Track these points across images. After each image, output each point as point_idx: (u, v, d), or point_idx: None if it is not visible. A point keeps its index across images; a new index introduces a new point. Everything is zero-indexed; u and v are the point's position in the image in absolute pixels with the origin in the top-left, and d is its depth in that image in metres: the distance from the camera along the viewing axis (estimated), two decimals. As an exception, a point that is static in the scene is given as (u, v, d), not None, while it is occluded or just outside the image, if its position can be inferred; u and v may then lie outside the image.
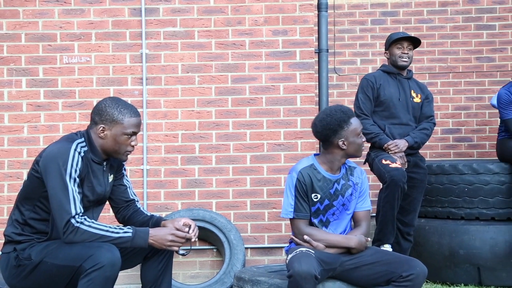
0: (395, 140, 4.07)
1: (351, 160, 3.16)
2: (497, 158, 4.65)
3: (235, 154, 4.21)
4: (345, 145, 3.01)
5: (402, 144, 4.06)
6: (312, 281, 2.74)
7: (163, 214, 4.05)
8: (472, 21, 5.62)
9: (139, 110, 4.11)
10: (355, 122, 3.04)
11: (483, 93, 5.63)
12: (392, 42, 4.16)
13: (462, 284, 4.28)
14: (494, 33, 5.61)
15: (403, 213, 4.15)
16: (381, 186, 3.99)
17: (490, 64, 5.63)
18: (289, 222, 3.14)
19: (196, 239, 2.78)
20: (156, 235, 2.66)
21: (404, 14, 5.64)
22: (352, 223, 3.15)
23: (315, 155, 3.12)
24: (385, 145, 4.03)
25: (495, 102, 4.65)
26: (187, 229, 2.74)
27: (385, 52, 4.28)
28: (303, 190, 3.01)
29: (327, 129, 3.01)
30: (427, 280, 4.40)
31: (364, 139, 3.09)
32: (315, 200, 3.03)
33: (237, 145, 4.21)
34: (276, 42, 4.22)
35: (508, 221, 4.34)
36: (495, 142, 4.72)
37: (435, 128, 4.43)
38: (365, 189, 3.14)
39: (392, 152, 4.00)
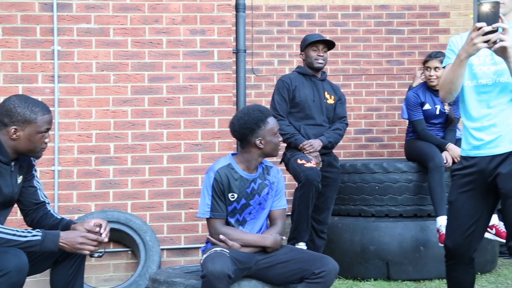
0: (310, 140, 4.16)
1: (267, 159, 3.20)
2: (405, 157, 4.84)
3: (151, 154, 4.16)
4: (262, 144, 3.04)
5: (317, 144, 4.16)
6: (226, 280, 2.76)
7: (76, 217, 3.95)
8: (383, 26, 5.82)
9: (50, 109, 4.02)
10: (272, 122, 3.08)
11: (393, 95, 5.84)
12: (308, 44, 4.25)
13: (372, 279, 4.42)
14: (403, 37, 5.82)
15: (317, 212, 4.24)
16: (296, 185, 4.07)
17: (399, 67, 5.85)
18: (205, 222, 3.14)
19: (107, 239, 2.71)
20: (66, 237, 2.60)
21: (320, 17, 5.76)
22: (268, 221, 3.18)
23: (232, 154, 3.14)
24: (300, 145, 4.11)
25: (406, 116, 4.81)
26: (98, 229, 2.69)
27: (300, 54, 4.36)
28: (220, 189, 3.02)
29: (245, 128, 3.03)
30: (340, 276, 4.52)
31: (280, 138, 3.14)
32: (232, 199, 3.05)
33: (153, 145, 4.17)
34: (194, 42, 4.21)
35: (415, 217, 4.51)
36: (404, 142, 4.91)
37: (348, 128, 4.57)
38: (281, 188, 3.18)
39: (307, 152, 4.09)
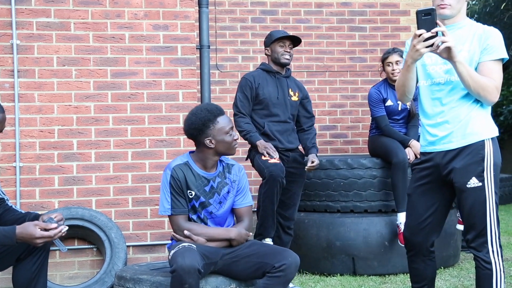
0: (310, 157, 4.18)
1: (230, 157, 3.20)
2: (369, 153, 4.91)
3: (115, 150, 4.13)
4: (212, 143, 3.01)
5: (316, 162, 4.24)
6: (196, 275, 2.76)
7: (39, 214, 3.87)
8: (345, 23, 5.90)
9: (9, 104, 3.96)
10: (222, 121, 3.04)
11: (356, 91, 5.93)
12: (275, 40, 4.27)
13: (338, 274, 4.47)
14: (365, 34, 5.92)
15: (283, 208, 4.27)
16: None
17: (362, 64, 5.94)
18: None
19: (63, 234, 2.66)
20: (23, 231, 2.55)
21: (283, 13, 5.81)
22: (235, 219, 3.19)
23: (190, 152, 3.12)
24: (261, 150, 4.05)
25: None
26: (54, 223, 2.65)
27: (266, 49, 4.37)
28: (178, 186, 3.02)
29: (192, 128, 3.02)
30: (306, 272, 4.57)
31: (236, 137, 3.09)
32: (190, 197, 3.05)
33: (117, 141, 4.14)
34: (157, 37, 4.19)
35: (380, 213, 4.58)
36: (367, 138, 4.98)
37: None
38: (243, 186, 3.17)
39: (265, 157, 4.06)
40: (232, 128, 3.09)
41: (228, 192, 3.12)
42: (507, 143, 11.90)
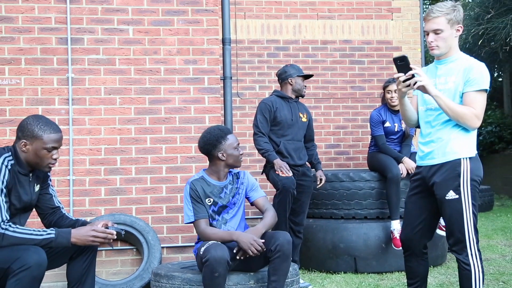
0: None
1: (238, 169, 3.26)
2: (368, 168, 4.90)
3: (152, 165, 4.15)
4: (224, 156, 3.10)
5: (324, 179, 4.37)
6: (225, 265, 2.77)
7: (88, 219, 3.90)
8: (346, 57, 5.90)
9: (65, 127, 4.02)
10: (231, 138, 3.14)
11: (356, 115, 5.92)
12: (301, 75, 4.33)
13: (342, 272, 4.44)
14: (363, 67, 5.91)
15: (294, 214, 4.25)
16: (275, 192, 4.10)
17: (361, 92, 5.93)
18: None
19: (114, 233, 2.70)
20: (77, 233, 2.60)
21: (294, 49, 5.83)
22: (260, 209, 3.19)
23: (204, 170, 3.20)
24: (276, 168, 4.05)
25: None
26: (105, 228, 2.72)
27: (289, 79, 4.34)
28: (197, 196, 3.07)
29: (208, 144, 3.11)
30: (314, 270, 4.54)
31: (242, 152, 3.18)
32: (209, 203, 3.09)
33: (154, 158, 4.16)
34: (187, 70, 4.22)
35: (378, 219, 4.55)
36: (367, 155, 4.97)
37: (319, 143, 4.63)
38: (252, 183, 3.22)
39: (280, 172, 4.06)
40: (238, 144, 3.17)
41: (239, 193, 3.16)
42: (486, 159, 11.80)
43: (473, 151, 2.73)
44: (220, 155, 3.10)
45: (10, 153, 2.61)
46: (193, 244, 4.07)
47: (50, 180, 2.84)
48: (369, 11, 5.91)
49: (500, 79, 14.28)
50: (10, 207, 2.55)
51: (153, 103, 4.18)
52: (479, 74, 2.69)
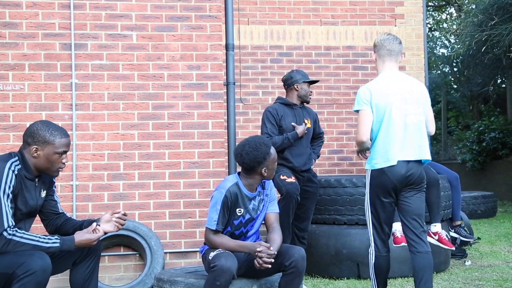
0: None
1: None
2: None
3: (155, 171, 4.15)
4: (266, 172, 3.02)
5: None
6: (229, 277, 2.76)
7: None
8: (350, 63, 5.89)
9: (69, 132, 4.02)
10: (273, 152, 3.06)
11: (360, 121, 5.90)
12: (307, 81, 4.34)
13: (345, 278, 4.42)
14: (367, 73, 5.90)
15: (298, 220, 4.24)
16: (279, 197, 4.08)
17: (365, 97, 5.91)
18: (202, 229, 3.10)
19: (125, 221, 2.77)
20: (80, 238, 2.62)
21: (297, 55, 5.83)
22: (266, 223, 3.12)
23: (238, 175, 3.08)
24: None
25: None
26: (117, 214, 2.79)
27: (295, 85, 4.35)
28: (228, 205, 2.97)
29: (255, 161, 2.98)
30: (317, 276, 4.52)
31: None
32: (239, 214, 3.01)
33: (157, 163, 4.16)
34: (191, 75, 4.22)
35: (381, 224, 4.55)
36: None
37: (322, 149, 4.62)
38: (274, 195, 3.17)
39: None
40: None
41: (264, 205, 3.10)
42: (489, 165, 11.77)
43: (374, 165, 3.16)
44: (263, 171, 3.00)
45: (17, 158, 2.62)
46: (196, 250, 4.07)
47: (55, 186, 2.85)
48: (372, 17, 5.91)
49: (504, 86, 14.27)
50: (16, 212, 2.56)
51: (157, 108, 4.18)
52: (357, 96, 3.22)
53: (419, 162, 3.20)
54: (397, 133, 3.13)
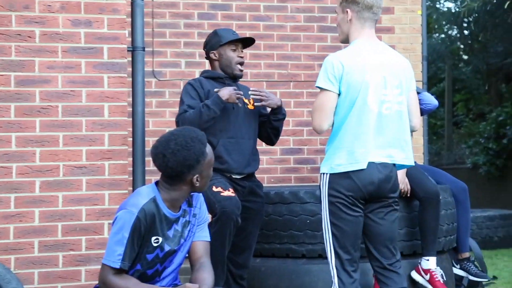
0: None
1: None
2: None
3: (19, 180, 4.06)
4: (198, 181, 3.05)
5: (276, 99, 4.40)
6: None
7: None
8: (315, 22, 5.98)
9: None
10: (209, 151, 3.11)
11: (328, 106, 5.97)
12: (226, 42, 4.30)
13: (304, 337, 4.47)
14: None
15: (235, 252, 4.27)
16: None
17: (336, 72, 5.99)
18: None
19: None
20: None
21: (238, 8, 5.86)
22: (190, 256, 3.17)
23: (156, 186, 3.10)
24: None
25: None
26: None
27: (211, 52, 4.40)
28: (140, 232, 2.97)
29: (184, 165, 3.00)
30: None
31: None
32: (155, 245, 3.04)
33: (22, 168, 4.07)
34: (77, 35, 4.19)
35: (355, 258, 4.62)
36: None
37: (273, 147, 4.61)
38: (204, 216, 3.22)
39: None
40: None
41: (190, 230, 3.15)
42: (511, 171, 12.11)
43: (332, 169, 3.30)
44: (195, 179, 3.05)
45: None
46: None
47: None
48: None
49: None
50: None
51: (22, 84, 4.11)
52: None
53: (395, 166, 3.34)
54: (370, 126, 3.24)
